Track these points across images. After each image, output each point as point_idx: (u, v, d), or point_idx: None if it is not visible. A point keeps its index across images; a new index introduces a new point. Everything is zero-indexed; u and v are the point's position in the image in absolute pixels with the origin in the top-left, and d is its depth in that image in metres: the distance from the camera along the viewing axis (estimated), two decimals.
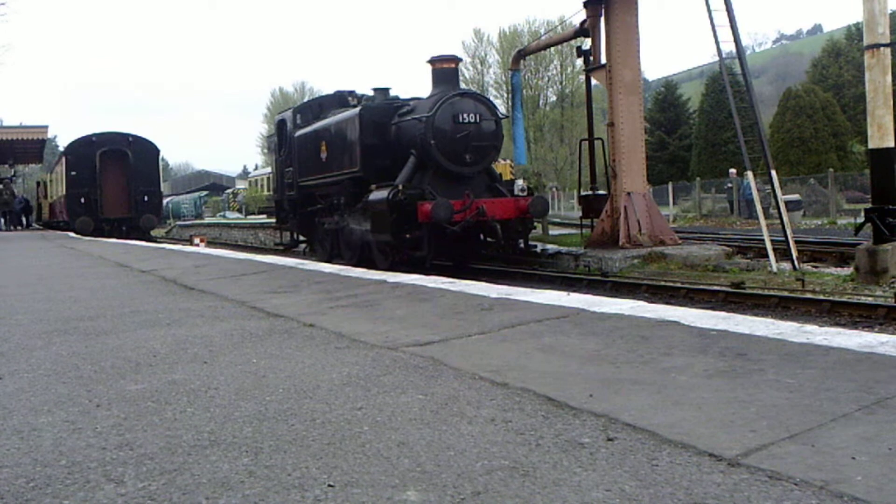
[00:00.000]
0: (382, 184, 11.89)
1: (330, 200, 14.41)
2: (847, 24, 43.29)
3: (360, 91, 15.79)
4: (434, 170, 11.91)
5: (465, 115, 11.84)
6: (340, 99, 15.44)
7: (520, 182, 12.80)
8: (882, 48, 9.96)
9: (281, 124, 16.90)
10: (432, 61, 12.66)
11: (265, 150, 73.39)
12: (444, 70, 12.59)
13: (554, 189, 38.40)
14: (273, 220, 31.88)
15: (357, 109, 12.98)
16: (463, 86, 15.22)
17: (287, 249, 17.53)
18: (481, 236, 12.69)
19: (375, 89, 14.10)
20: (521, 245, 12.61)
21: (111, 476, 1.75)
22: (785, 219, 11.59)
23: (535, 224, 14.20)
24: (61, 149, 37.53)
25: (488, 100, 13.13)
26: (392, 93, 14.11)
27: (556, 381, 2.41)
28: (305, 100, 16.02)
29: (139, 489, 1.66)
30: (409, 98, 13.42)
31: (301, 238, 17.18)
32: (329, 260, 13.60)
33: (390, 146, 12.60)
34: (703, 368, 2.46)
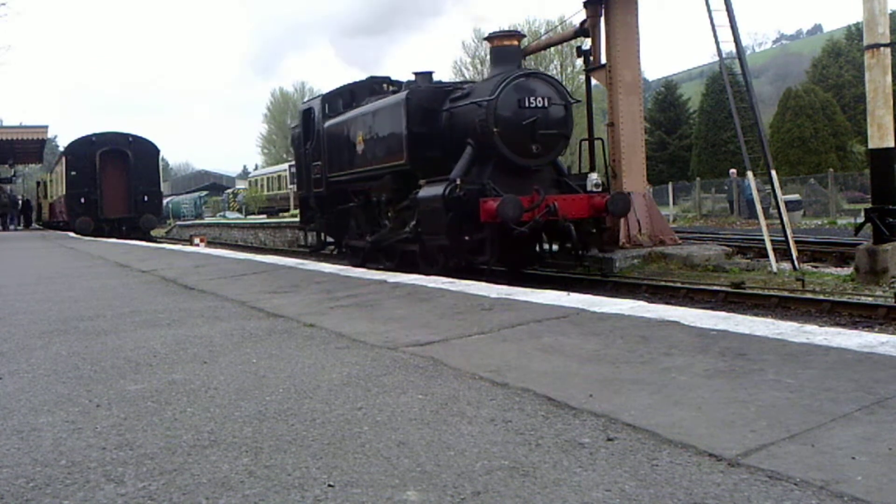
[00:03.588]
0: (434, 178, 10.33)
1: (365, 197, 12.98)
2: (847, 24, 43.30)
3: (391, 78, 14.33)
4: (495, 162, 10.34)
5: (531, 99, 10.13)
6: (374, 85, 13.99)
7: (593, 176, 10.94)
8: (882, 48, 9.97)
9: (307, 114, 15.24)
10: (490, 38, 11.15)
11: (265, 150, 73.43)
12: (505, 48, 10.90)
13: None
14: (274, 220, 32.00)
15: (403, 94, 11.39)
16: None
17: (313, 252, 16.04)
18: (543, 239, 11.17)
19: (417, 73, 12.49)
20: (595, 251, 11.03)
21: (111, 476, 1.75)
22: (785, 219, 11.60)
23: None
24: (61, 149, 37.58)
25: (557, 81, 11.19)
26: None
27: (556, 381, 2.41)
28: (324, 91, 14.58)
29: (139, 489, 1.66)
30: (459, 81, 12.13)
31: (328, 239, 15.65)
32: (362, 264, 12.10)
33: (441, 135, 11.07)
34: (703, 368, 2.46)
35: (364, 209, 13.16)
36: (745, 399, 2.10)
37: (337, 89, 14.53)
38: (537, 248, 11.31)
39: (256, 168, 74.71)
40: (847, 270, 10.73)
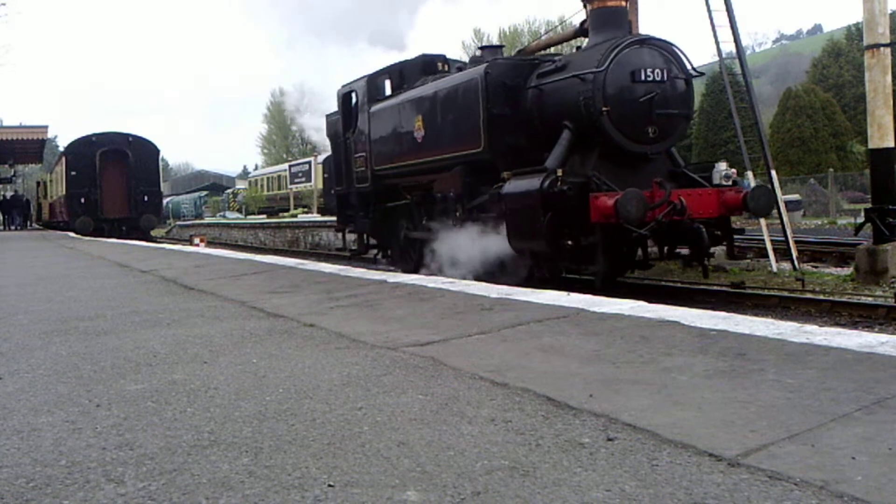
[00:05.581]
0: (524, 170, 8.56)
1: (422, 193, 11.10)
2: (847, 24, 43.28)
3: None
4: (601, 149, 8.49)
5: (647, 71, 8.32)
6: (427, 65, 12.13)
7: (722, 166, 8.91)
8: (882, 48, 9.98)
9: (346, 99, 13.19)
10: None
11: (265, 150, 73.40)
12: (610, 11, 8.90)
13: None
14: (274, 220, 31.96)
15: (480, 68, 9.48)
16: None
17: (354, 256, 14.12)
18: (643, 243, 8.99)
19: (484, 48, 10.78)
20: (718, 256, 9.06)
21: (111, 476, 1.75)
22: (785, 219, 11.60)
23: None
24: (61, 149, 37.65)
25: (677, 47, 8.97)
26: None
27: (556, 381, 2.41)
28: (377, 69, 12.61)
29: (139, 489, 1.66)
30: (545, 54, 10.27)
31: (371, 242, 13.58)
32: (415, 270, 10.49)
33: (527, 118, 9.20)
34: (703, 368, 2.46)
35: (420, 207, 11.25)
36: (745, 399, 2.10)
37: (383, 69, 12.57)
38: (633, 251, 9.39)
39: (256, 168, 74.72)
40: (847, 270, 10.73)
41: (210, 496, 1.61)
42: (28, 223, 37.24)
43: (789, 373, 2.34)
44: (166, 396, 2.46)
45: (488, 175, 9.24)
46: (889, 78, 10.12)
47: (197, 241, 24.53)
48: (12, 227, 34.89)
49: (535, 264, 8.76)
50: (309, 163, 41.10)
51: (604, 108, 8.19)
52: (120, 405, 2.38)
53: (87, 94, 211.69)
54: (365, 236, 13.59)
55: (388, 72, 12.46)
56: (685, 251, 8.97)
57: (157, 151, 27.91)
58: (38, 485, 1.72)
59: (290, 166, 45.43)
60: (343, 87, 13.42)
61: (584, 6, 10.37)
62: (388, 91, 12.27)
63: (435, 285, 5.04)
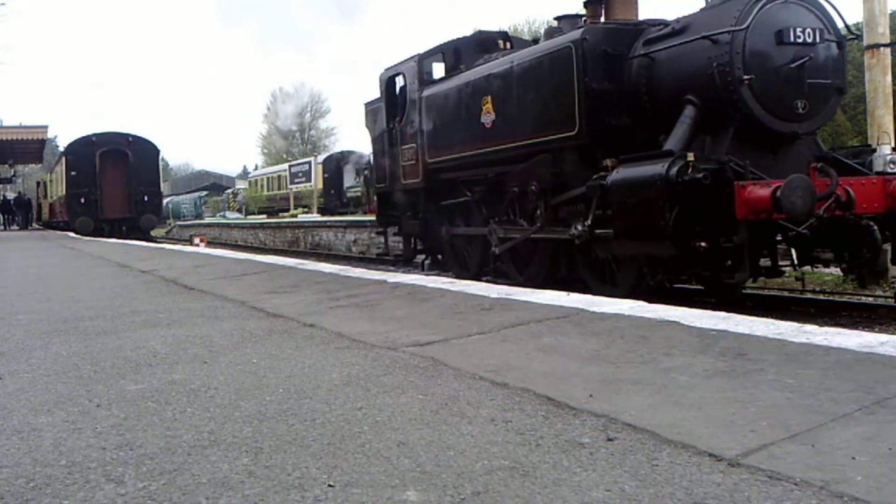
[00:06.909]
0: (636, 155, 6.83)
1: (488, 189, 9.55)
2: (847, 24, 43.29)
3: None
4: (736, 128, 6.83)
5: (796, 32, 6.73)
6: (485, 42, 10.66)
7: (886, 149, 7.47)
8: (882, 48, 9.97)
9: (390, 84, 11.63)
10: None
11: (265, 150, 73.41)
12: None
13: None
14: (274, 220, 31.94)
15: (576, 33, 7.91)
16: None
17: (402, 262, 12.66)
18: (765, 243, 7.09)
19: (561, 17, 9.21)
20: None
21: (111, 476, 1.75)
22: None
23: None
24: (61, 149, 37.70)
25: (828, 2, 7.18)
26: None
27: (556, 381, 2.41)
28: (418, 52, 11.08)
29: (139, 489, 1.66)
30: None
31: (414, 245, 11.96)
32: (476, 277, 9.12)
33: (632, 93, 7.60)
34: (703, 368, 2.46)
35: (484, 205, 9.72)
36: (745, 399, 2.10)
37: (435, 48, 10.91)
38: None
39: (256, 168, 74.69)
40: None
41: (210, 496, 1.61)
42: (29, 224, 37.35)
43: (789, 373, 2.34)
44: (166, 396, 2.46)
45: (586, 163, 7.75)
46: (889, 78, 10.12)
47: (197, 241, 24.54)
48: (12, 227, 34.95)
49: (650, 271, 7.07)
50: (309, 163, 41.11)
51: (745, 77, 6.64)
52: (120, 405, 2.38)
53: (87, 94, 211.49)
54: (414, 239, 11.89)
55: (442, 51, 10.83)
56: (827, 255, 7.37)
57: (157, 151, 27.94)
58: (38, 485, 1.72)
59: (290, 166, 45.44)
60: (386, 70, 11.79)
61: (585, 6, 10.09)
62: (440, 73, 10.81)
63: (435, 285, 5.04)
